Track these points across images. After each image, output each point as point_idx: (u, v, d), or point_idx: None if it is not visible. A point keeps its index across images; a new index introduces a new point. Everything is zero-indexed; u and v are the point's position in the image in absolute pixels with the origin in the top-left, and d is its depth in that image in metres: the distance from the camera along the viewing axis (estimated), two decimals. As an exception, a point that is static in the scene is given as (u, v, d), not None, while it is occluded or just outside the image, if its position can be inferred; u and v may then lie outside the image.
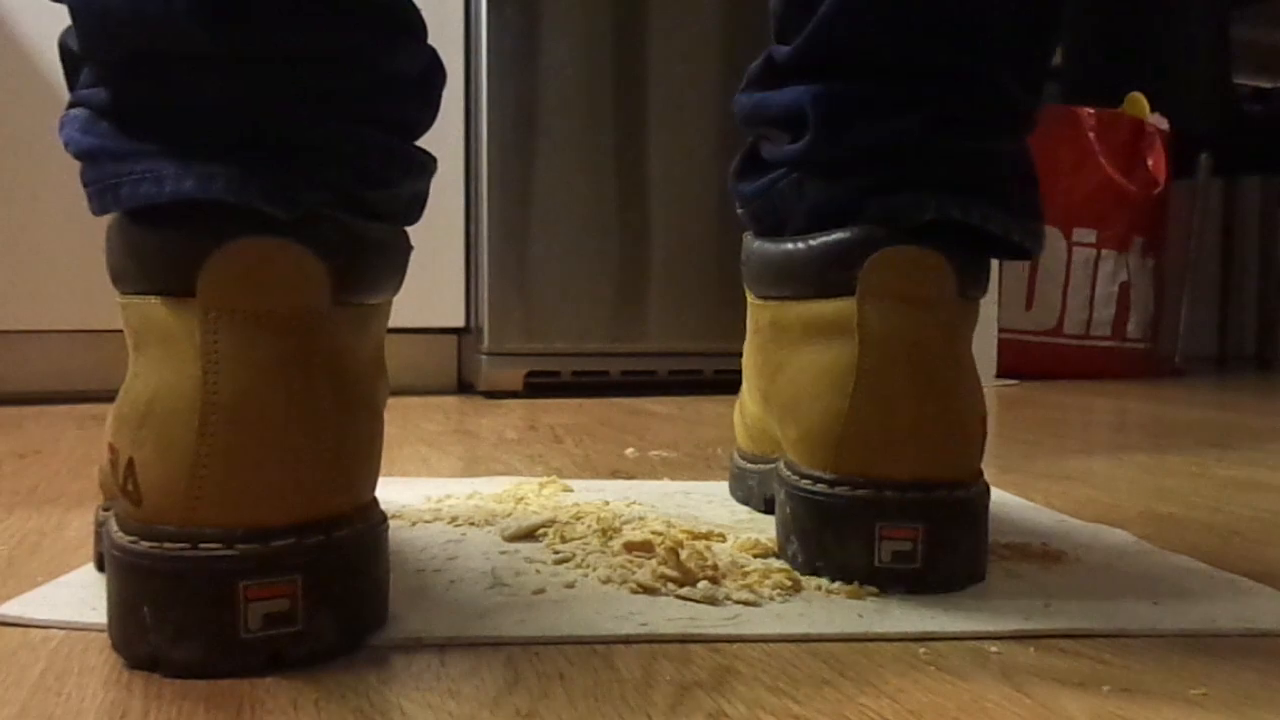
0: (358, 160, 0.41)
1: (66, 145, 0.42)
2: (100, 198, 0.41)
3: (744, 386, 0.67)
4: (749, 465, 0.68)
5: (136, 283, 0.40)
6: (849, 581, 0.48)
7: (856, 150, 0.51)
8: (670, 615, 0.44)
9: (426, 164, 0.45)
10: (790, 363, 0.53)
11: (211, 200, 0.38)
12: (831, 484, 0.49)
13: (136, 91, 0.40)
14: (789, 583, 0.48)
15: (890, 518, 0.48)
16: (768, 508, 0.62)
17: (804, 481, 0.50)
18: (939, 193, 0.50)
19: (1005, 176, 0.52)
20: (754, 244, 0.58)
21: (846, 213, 0.50)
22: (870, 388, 0.48)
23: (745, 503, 0.68)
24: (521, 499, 0.67)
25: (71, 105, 0.43)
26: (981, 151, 0.51)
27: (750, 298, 0.60)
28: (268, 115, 0.40)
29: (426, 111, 0.46)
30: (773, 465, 0.58)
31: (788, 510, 0.51)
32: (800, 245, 0.52)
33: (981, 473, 0.51)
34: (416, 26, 0.44)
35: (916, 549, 0.48)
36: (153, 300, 0.39)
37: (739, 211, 0.61)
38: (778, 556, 0.53)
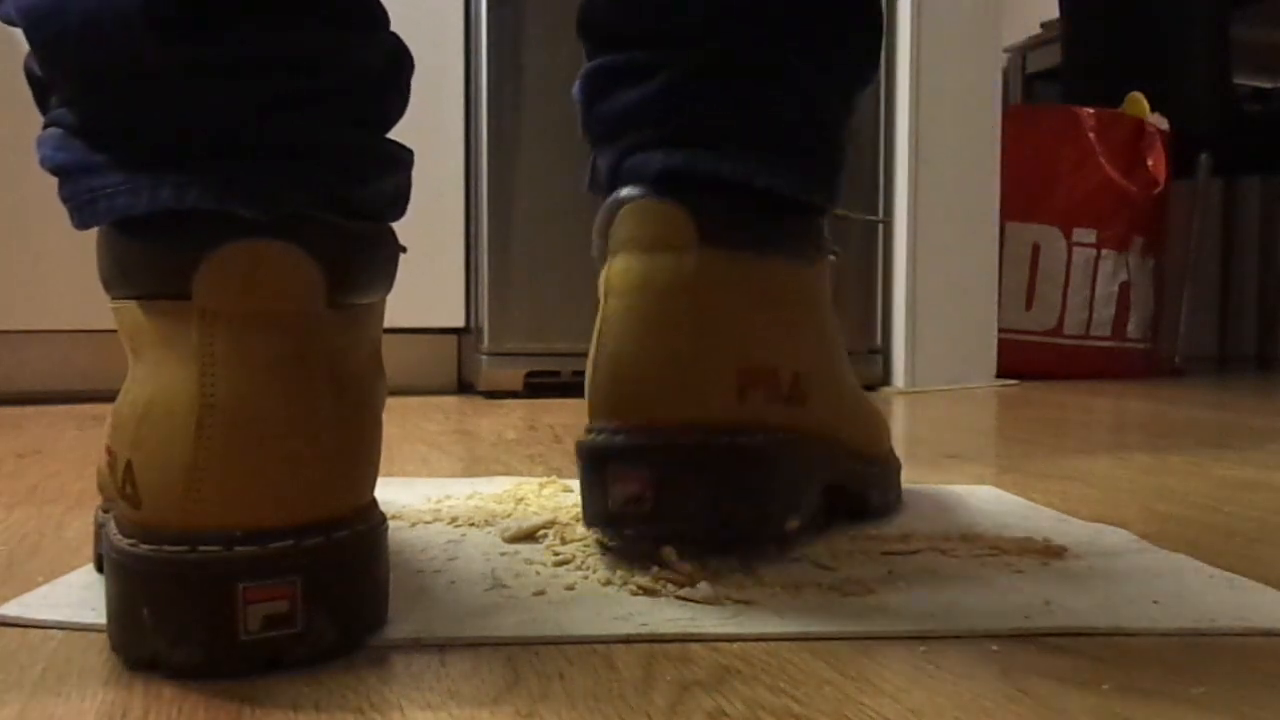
0: (333, 158, 0.41)
1: (42, 163, 0.42)
2: (79, 213, 0.41)
3: None
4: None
5: (130, 287, 0.40)
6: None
7: (608, 119, 0.53)
8: (670, 615, 0.44)
9: (403, 157, 0.45)
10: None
11: (188, 209, 0.38)
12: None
13: (103, 108, 0.40)
14: (789, 578, 0.48)
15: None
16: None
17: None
18: (676, 148, 0.51)
19: (756, 121, 0.52)
20: None
21: (613, 179, 0.53)
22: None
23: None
24: (521, 499, 0.67)
25: (46, 126, 0.43)
26: (731, 103, 0.52)
27: None
28: (238, 121, 0.40)
29: (396, 102, 0.46)
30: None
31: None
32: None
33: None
34: (377, 17, 0.44)
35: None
36: (148, 304, 0.39)
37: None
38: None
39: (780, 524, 0.51)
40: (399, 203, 0.46)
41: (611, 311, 0.49)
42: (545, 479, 0.74)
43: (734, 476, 0.49)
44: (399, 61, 0.45)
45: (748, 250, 0.51)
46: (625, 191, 0.51)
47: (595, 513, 0.49)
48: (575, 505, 0.64)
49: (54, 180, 0.42)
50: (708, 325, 0.49)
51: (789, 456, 0.52)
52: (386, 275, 0.44)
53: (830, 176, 0.54)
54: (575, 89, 0.56)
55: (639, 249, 0.49)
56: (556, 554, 0.52)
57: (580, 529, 0.57)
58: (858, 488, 0.61)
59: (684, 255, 0.49)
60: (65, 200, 0.41)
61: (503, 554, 0.53)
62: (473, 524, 0.60)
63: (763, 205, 0.52)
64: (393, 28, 0.45)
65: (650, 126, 0.52)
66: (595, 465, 0.49)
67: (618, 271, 0.50)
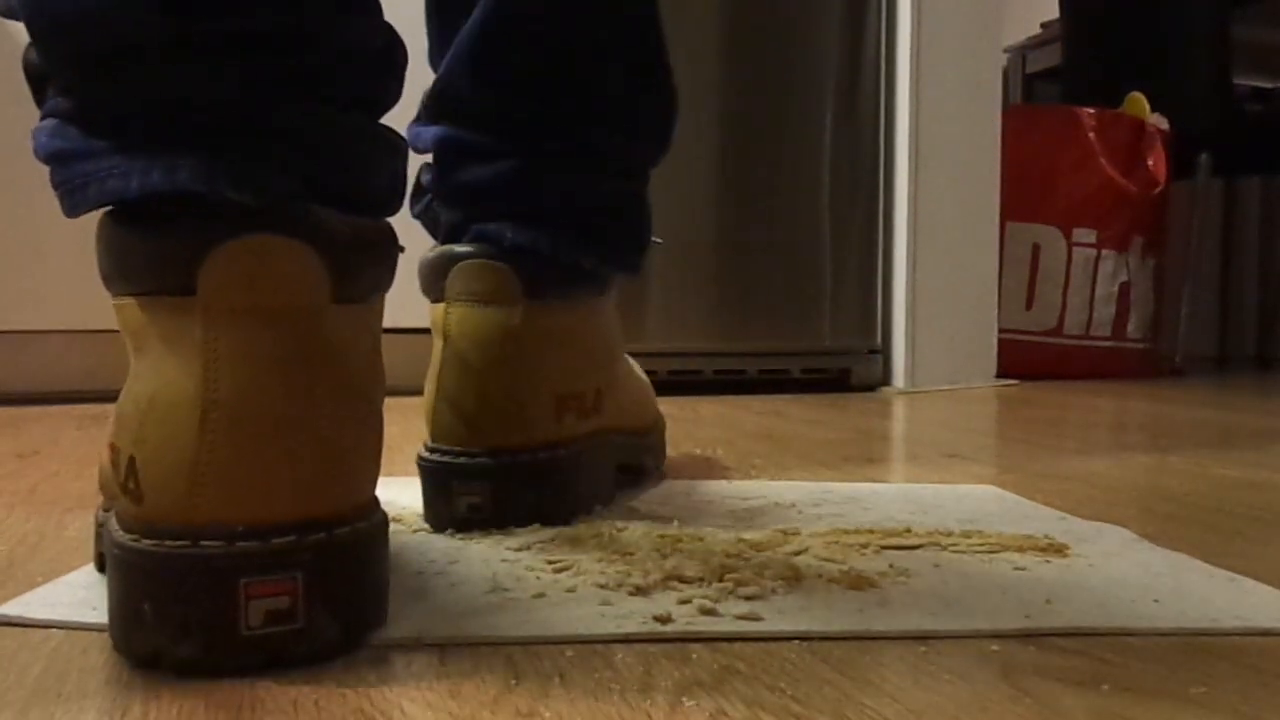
0: (324, 141, 0.41)
1: (36, 152, 0.42)
2: (70, 197, 0.41)
3: None
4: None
5: (133, 284, 0.40)
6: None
7: (461, 188, 0.63)
8: (670, 616, 0.44)
9: (396, 143, 0.45)
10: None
11: (179, 191, 0.38)
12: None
13: (97, 92, 0.40)
14: (789, 573, 0.48)
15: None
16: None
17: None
18: (514, 224, 0.61)
19: (585, 210, 0.63)
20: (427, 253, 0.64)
21: (456, 236, 0.63)
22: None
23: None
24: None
25: (42, 119, 0.43)
26: (563, 190, 0.63)
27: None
28: (229, 102, 0.40)
29: (390, 86, 0.46)
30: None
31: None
32: (426, 257, 0.63)
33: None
34: (370, 3, 0.44)
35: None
36: (150, 300, 0.39)
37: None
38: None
39: (589, 509, 0.64)
40: (395, 193, 0.46)
41: (451, 355, 0.60)
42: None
43: (553, 482, 0.61)
44: (392, 47, 0.45)
45: (560, 301, 0.63)
46: (463, 249, 0.61)
47: (440, 517, 0.60)
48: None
49: None
50: (531, 365, 0.60)
51: (592, 457, 0.65)
52: (388, 273, 0.44)
53: (633, 250, 0.68)
54: (429, 153, 0.65)
55: (475, 301, 0.60)
56: (557, 561, 0.52)
57: (582, 540, 0.57)
58: (637, 459, 0.76)
59: (512, 309, 0.60)
60: (57, 186, 0.41)
61: (503, 561, 0.53)
62: (471, 532, 0.60)
63: (574, 268, 0.64)
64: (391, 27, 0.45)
65: (498, 202, 0.62)
66: (439, 481, 0.60)
67: (456, 320, 0.60)
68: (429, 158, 0.66)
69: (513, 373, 0.60)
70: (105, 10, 0.38)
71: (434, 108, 0.65)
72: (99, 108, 0.40)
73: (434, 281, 0.61)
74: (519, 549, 0.55)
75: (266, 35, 0.40)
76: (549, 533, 0.58)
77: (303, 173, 0.40)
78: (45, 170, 0.42)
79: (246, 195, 0.38)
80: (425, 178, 0.66)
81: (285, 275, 0.38)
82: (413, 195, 0.68)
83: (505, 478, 0.59)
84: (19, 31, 0.41)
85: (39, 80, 0.44)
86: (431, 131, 0.64)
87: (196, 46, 0.39)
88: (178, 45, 0.39)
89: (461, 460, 0.59)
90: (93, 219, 0.42)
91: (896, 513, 0.66)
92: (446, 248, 0.62)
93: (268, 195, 0.38)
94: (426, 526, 0.61)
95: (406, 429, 1.13)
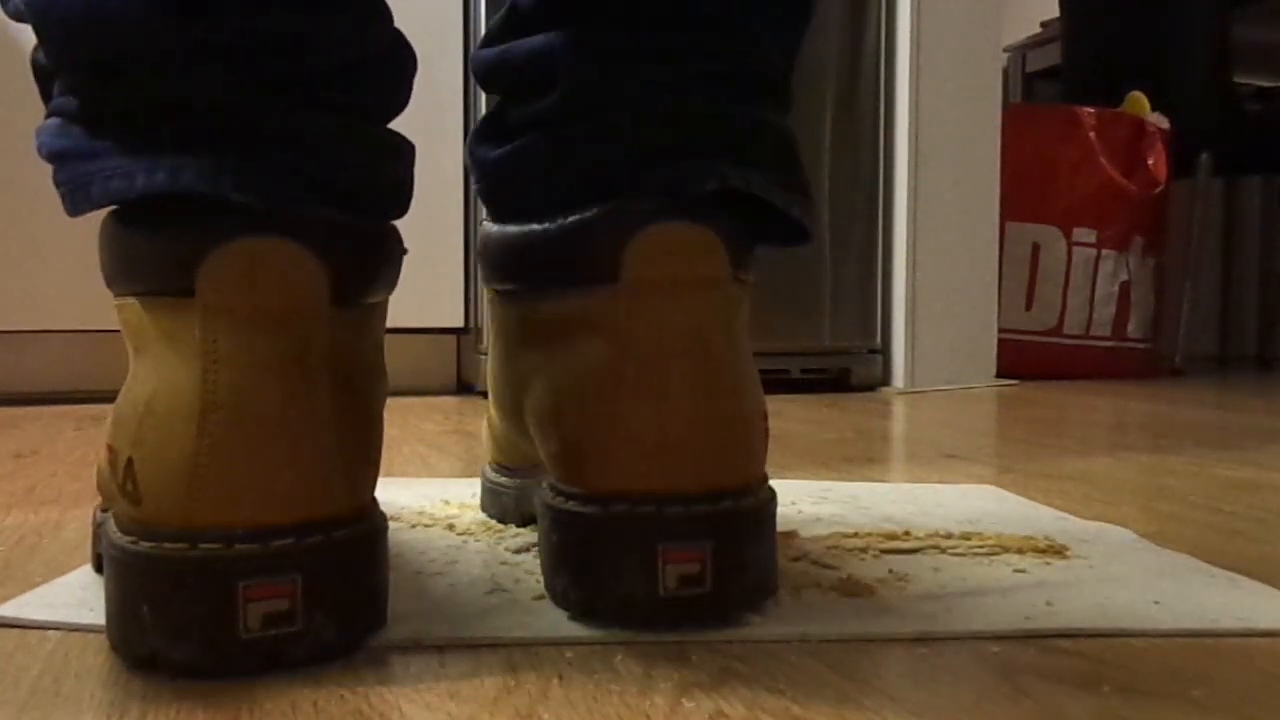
0: (330, 145, 0.41)
1: (39, 150, 0.42)
2: (72, 197, 0.41)
3: (490, 399, 0.59)
4: (504, 479, 0.60)
5: (133, 284, 0.40)
6: (628, 617, 0.41)
7: (619, 109, 0.44)
8: (670, 616, 0.44)
9: (403, 148, 0.45)
10: (545, 366, 0.45)
11: (182, 192, 0.38)
12: (602, 504, 0.41)
13: (103, 93, 0.40)
14: (787, 581, 0.48)
15: (673, 538, 0.40)
16: (524, 524, 0.58)
17: (570, 504, 0.42)
18: (717, 160, 0.43)
19: (782, 149, 0.46)
20: (494, 228, 0.49)
21: (615, 184, 0.44)
22: (642, 390, 0.41)
23: (501, 520, 0.60)
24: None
25: (48, 117, 0.43)
26: (755, 119, 0.46)
27: (489, 293, 0.53)
28: (234, 104, 0.40)
29: (398, 93, 0.45)
30: (528, 480, 0.54)
31: (553, 539, 0.43)
32: (555, 225, 0.44)
33: (767, 477, 0.45)
34: (379, 9, 0.44)
35: (705, 571, 0.40)
36: (150, 301, 0.39)
37: (477, 187, 0.52)
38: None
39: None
40: (401, 197, 0.46)
41: (642, 360, 0.41)
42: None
43: (773, 537, 0.44)
44: (401, 54, 0.45)
45: (748, 281, 0.45)
46: (649, 204, 0.42)
47: (640, 598, 0.41)
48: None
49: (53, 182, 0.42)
50: (747, 373, 0.43)
51: None
52: (390, 275, 0.44)
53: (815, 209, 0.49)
54: (520, 49, 0.47)
55: (669, 284, 0.42)
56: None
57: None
58: None
59: (717, 293, 0.42)
60: (59, 185, 0.41)
61: (503, 563, 0.53)
62: (472, 532, 0.59)
63: (763, 231, 0.47)
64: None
65: (675, 127, 0.44)
66: (632, 545, 0.41)
67: (643, 310, 0.41)
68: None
69: (734, 382, 0.42)
70: (112, 13, 0.38)
71: (546, 10, 0.46)
72: (104, 108, 0.40)
73: (583, 253, 0.43)
74: (518, 550, 0.55)
75: (273, 39, 0.40)
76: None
77: (307, 176, 0.40)
78: (45, 170, 0.42)
79: (251, 198, 0.38)
80: (519, 110, 0.48)
81: (284, 277, 0.38)
82: (482, 134, 0.51)
83: (734, 532, 0.42)
84: (21, 33, 0.41)
85: (46, 79, 0.44)
86: (537, 41, 0.46)
87: (202, 50, 0.39)
88: (184, 48, 0.39)
89: (672, 510, 0.41)
90: (94, 220, 0.42)
91: (896, 513, 0.65)
92: (618, 206, 0.43)
93: (272, 198, 0.38)
94: (425, 523, 0.60)
95: (406, 429, 1.13)
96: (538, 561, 0.52)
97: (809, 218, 0.46)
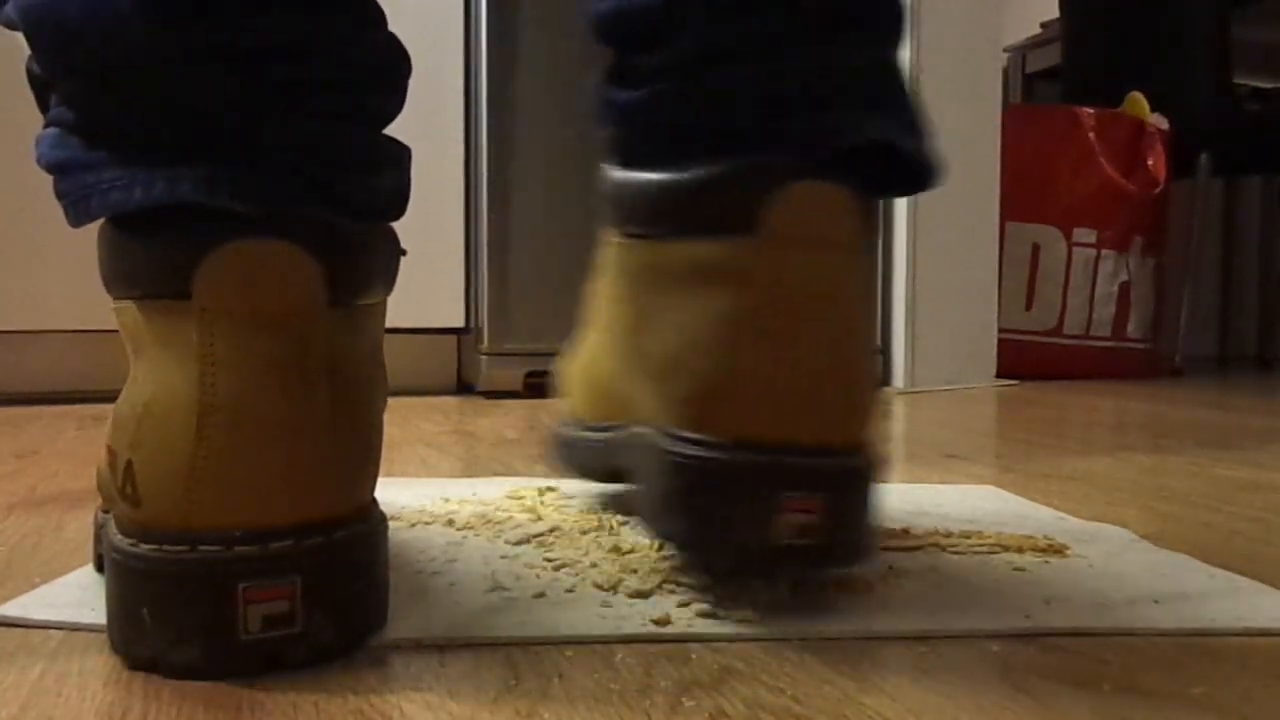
0: (328, 152, 0.41)
1: (39, 161, 0.42)
2: (74, 209, 0.41)
3: (590, 341, 0.58)
4: (590, 433, 0.59)
5: (131, 287, 0.40)
6: (743, 562, 0.42)
7: (755, 56, 0.44)
8: (670, 616, 0.44)
9: (399, 153, 0.45)
10: (670, 311, 0.46)
11: (181, 203, 0.38)
12: (727, 449, 0.42)
13: (100, 103, 0.40)
14: (790, 581, 0.48)
15: (794, 487, 0.41)
16: (609, 480, 0.57)
17: (693, 449, 0.43)
18: (855, 111, 0.44)
19: (901, 90, 0.46)
20: (621, 173, 0.49)
21: (753, 134, 0.44)
22: (775, 342, 0.42)
23: (583, 475, 0.60)
24: (521, 499, 0.67)
25: (46, 126, 0.43)
26: (881, 61, 0.46)
27: (614, 237, 0.52)
28: (232, 113, 0.39)
29: (393, 98, 0.45)
30: (619, 433, 0.53)
31: (670, 484, 0.44)
32: (692, 173, 0.44)
33: (872, 442, 0.45)
34: (374, 14, 0.44)
35: (819, 521, 0.42)
36: (148, 304, 0.39)
37: (604, 130, 0.51)
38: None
39: None
40: (398, 201, 0.46)
41: (778, 315, 0.42)
42: (546, 483, 0.74)
43: (874, 499, 0.45)
44: (396, 59, 0.45)
45: (872, 241, 0.47)
46: (792, 160, 0.43)
47: (755, 543, 0.42)
48: (577, 511, 0.63)
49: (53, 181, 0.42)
50: (868, 338, 0.45)
51: None
52: (387, 275, 0.44)
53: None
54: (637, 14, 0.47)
55: (810, 242, 0.42)
56: (557, 559, 0.52)
57: (583, 541, 0.56)
58: None
59: (853, 254, 0.43)
60: (60, 197, 0.41)
61: (503, 557, 0.53)
62: (471, 526, 0.60)
63: (889, 181, 0.46)
64: (392, 28, 0.45)
65: (812, 76, 0.44)
66: (749, 492, 0.42)
67: (784, 264, 0.42)
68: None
69: (858, 344, 0.44)
70: (106, 22, 0.38)
71: None
72: (100, 118, 0.40)
73: (725, 203, 0.43)
74: (518, 543, 0.55)
75: (269, 48, 0.40)
76: (546, 525, 0.58)
77: (305, 181, 0.40)
78: (42, 171, 0.42)
79: (250, 207, 0.38)
80: (650, 57, 0.47)
81: (282, 279, 0.38)
82: (613, 78, 0.49)
83: (846, 487, 0.43)
84: (19, 35, 0.41)
85: (42, 88, 0.44)
86: None
87: (198, 59, 0.39)
88: (179, 57, 0.39)
89: (791, 460, 0.42)
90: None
91: (896, 513, 0.65)
92: (755, 158, 0.43)
93: (270, 204, 0.38)
94: (425, 521, 0.60)
95: (406, 429, 1.13)
96: (538, 554, 0.53)
97: (934, 158, 0.46)
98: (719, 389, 0.43)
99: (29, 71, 0.44)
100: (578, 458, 0.61)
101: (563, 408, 0.63)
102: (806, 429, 0.42)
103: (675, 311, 0.45)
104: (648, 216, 0.47)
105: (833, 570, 0.43)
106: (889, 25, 0.47)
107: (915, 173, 0.47)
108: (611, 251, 0.52)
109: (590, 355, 0.58)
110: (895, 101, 0.46)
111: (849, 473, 0.43)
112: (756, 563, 0.42)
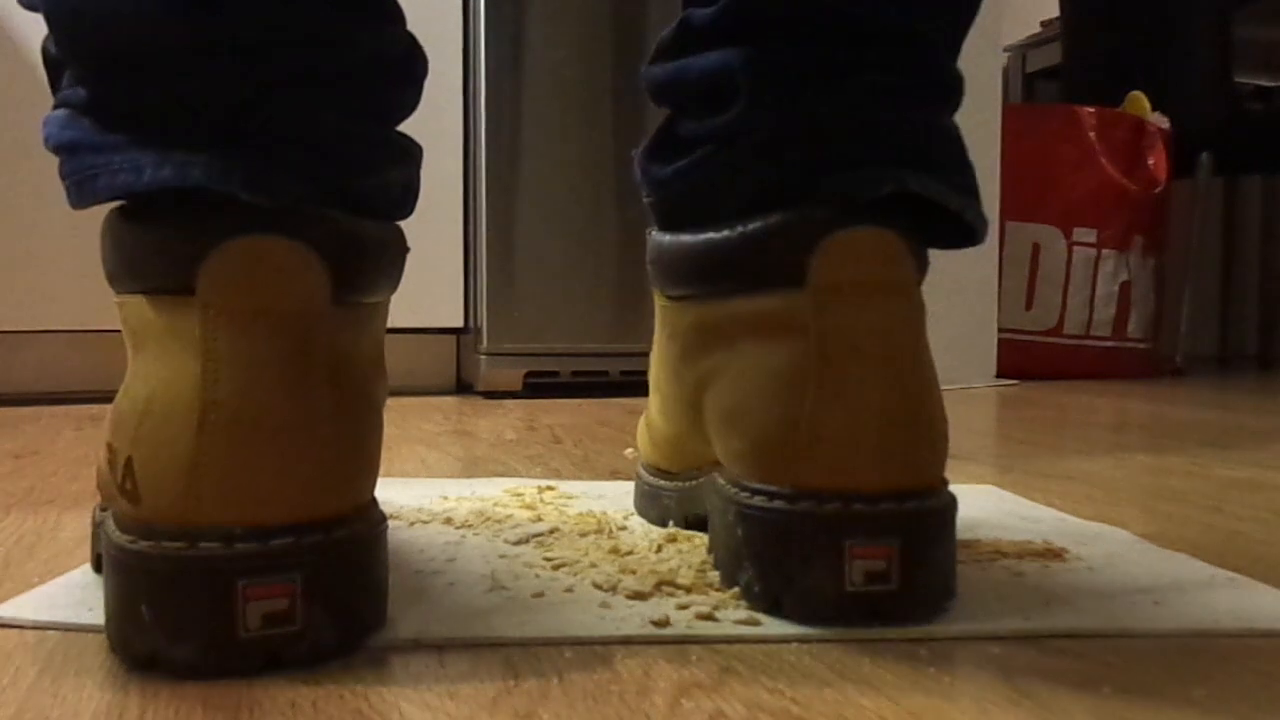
0: (340, 146, 0.41)
1: (46, 140, 0.42)
2: (79, 189, 0.41)
3: (651, 401, 0.60)
4: (663, 482, 0.60)
5: (134, 281, 0.40)
6: (815, 612, 0.42)
7: (797, 122, 0.46)
8: (669, 617, 0.44)
9: (411, 150, 0.45)
10: (728, 367, 0.47)
11: (190, 188, 0.38)
12: (791, 499, 0.43)
13: (114, 87, 0.40)
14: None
15: (861, 535, 0.42)
16: (690, 527, 0.57)
17: (757, 499, 0.44)
18: (895, 166, 0.45)
19: (953, 152, 0.48)
20: (666, 237, 0.51)
21: (793, 192, 0.45)
22: (833, 389, 0.43)
23: (660, 523, 0.60)
24: (521, 497, 0.67)
25: (56, 107, 0.43)
26: (929, 124, 0.47)
27: (661, 300, 0.55)
28: (246, 103, 0.39)
29: (408, 95, 0.45)
30: (691, 482, 0.55)
31: (738, 534, 0.45)
32: (736, 231, 0.46)
33: (947, 480, 0.46)
34: (392, 10, 0.44)
35: (891, 568, 0.42)
36: (151, 299, 0.39)
37: (646, 200, 0.54)
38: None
39: None
40: (407, 199, 0.46)
41: (835, 362, 0.43)
42: (545, 483, 0.74)
43: (954, 538, 0.45)
44: (413, 56, 0.45)
45: (920, 284, 0.46)
46: (833, 211, 0.44)
47: (826, 593, 0.42)
48: (577, 512, 0.63)
49: (55, 182, 0.42)
50: (930, 376, 0.45)
51: None
52: (392, 275, 0.44)
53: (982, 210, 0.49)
54: (696, 66, 0.48)
55: (860, 287, 0.43)
56: (556, 559, 0.52)
57: (582, 542, 0.56)
58: None
59: (905, 297, 0.44)
60: (65, 177, 0.41)
61: (502, 556, 0.53)
62: (470, 526, 0.60)
63: (935, 234, 0.48)
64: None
65: (854, 138, 0.45)
66: (819, 540, 0.42)
67: (836, 312, 0.43)
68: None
69: (921, 385, 0.44)
70: (125, 10, 0.38)
71: (722, 25, 0.47)
72: (114, 102, 0.40)
73: (773, 259, 0.44)
74: (517, 542, 0.55)
75: (285, 40, 0.40)
76: (546, 525, 0.58)
77: (316, 176, 0.40)
78: (46, 171, 0.42)
79: (259, 197, 0.38)
80: (694, 126, 0.49)
81: (285, 276, 0.38)
82: (654, 152, 0.52)
83: (919, 532, 0.43)
84: (22, 33, 0.41)
85: (55, 68, 0.44)
86: (713, 58, 0.47)
87: (215, 48, 0.39)
88: (196, 46, 0.39)
89: (858, 508, 0.42)
90: (94, 220, 0.42)
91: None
92: (797, 211, 0.44)
93: (279, 197, 0.38)
94: (424, 521, 0.60)
95: (405, 429, 1.13)
96: (537, 554, 0.53)
97: (980, 220, 0.47)
98: (782, 440, 0.43)
99: (44, 51, 0.44)
100: (653, 505, 0.61)
101: (642, 456, 0.64)
102: (872, 473, 0.42)
103: (732, 366, 0.46)
104: (695, 277, 0.49)
105: (913, 617, 0.43)
106: (938, 90, 0.47)
107: (957, 229, 0.47)
108: (659, 314, 0.54)
109: (653, 414, 0.60)
110: (941, 160, 0.47)
111: (919, 515, 0.43)
112: (831, 611, 0.42)
